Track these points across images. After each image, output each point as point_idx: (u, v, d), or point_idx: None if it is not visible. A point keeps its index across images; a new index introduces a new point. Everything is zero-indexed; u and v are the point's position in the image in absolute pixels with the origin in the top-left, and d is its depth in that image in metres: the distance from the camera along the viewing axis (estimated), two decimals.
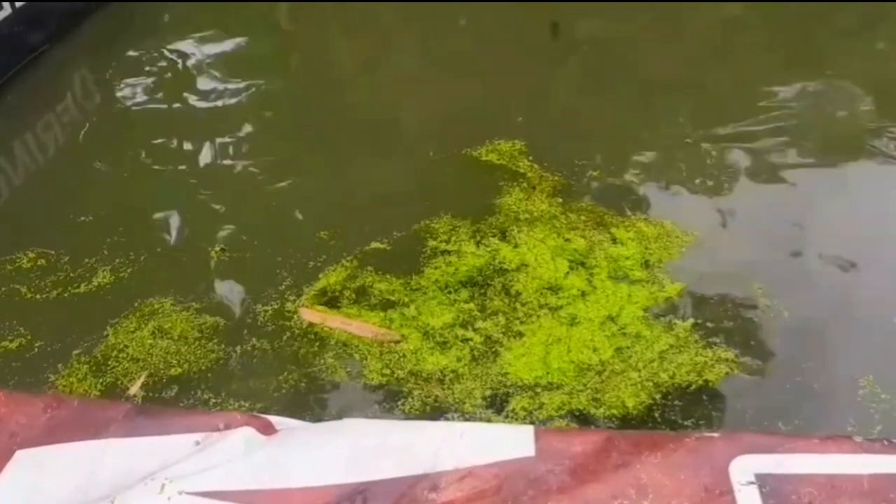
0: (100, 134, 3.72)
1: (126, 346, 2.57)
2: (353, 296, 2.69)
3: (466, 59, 4.14)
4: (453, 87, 3.87)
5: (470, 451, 1.87)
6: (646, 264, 2.74)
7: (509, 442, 1.89)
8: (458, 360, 2.44)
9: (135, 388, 2.43)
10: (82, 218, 3.13)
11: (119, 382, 2.46)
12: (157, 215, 3.13)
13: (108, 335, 2.61)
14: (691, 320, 2.52)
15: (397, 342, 2.51)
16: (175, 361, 2.51)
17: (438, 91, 3.89)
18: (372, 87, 4.04)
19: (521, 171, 3.22)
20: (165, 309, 2.70)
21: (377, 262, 2.82)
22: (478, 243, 2.86)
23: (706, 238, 2.85)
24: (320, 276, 2.78)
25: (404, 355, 2.47)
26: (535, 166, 3.24)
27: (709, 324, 2.52)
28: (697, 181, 3.18)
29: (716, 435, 1.86)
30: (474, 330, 2.54)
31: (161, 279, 2.83)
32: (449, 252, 2.83)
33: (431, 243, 2.87)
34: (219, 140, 3.60)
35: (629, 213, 3.00)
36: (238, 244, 2.97)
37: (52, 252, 2.94)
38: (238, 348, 2.55)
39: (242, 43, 4.42)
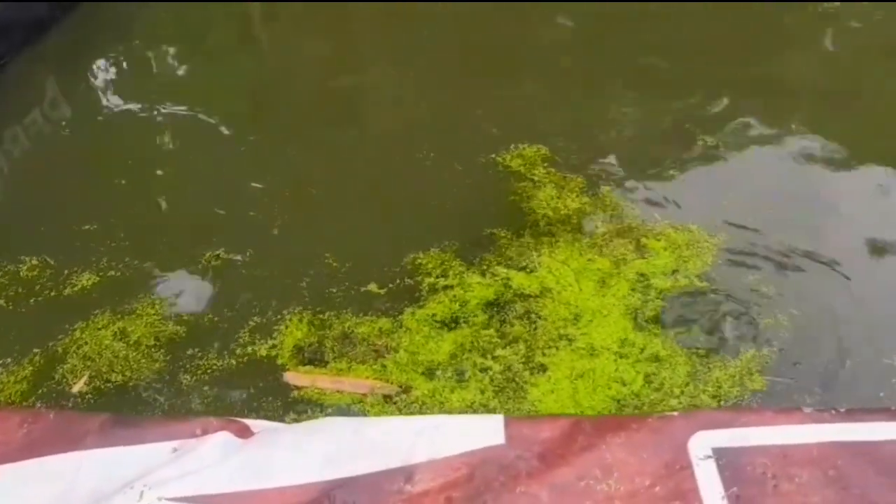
0: (79, 144, 3.65)
1: (84, 343, 2.60)
2: (337, 346, 2.56)
3: (479, 60, 4.02)
4: (471, 90, 3.74)
5: (443, 442, 1.94)
6: (674, 273, 2.69)
7: (480, 431, 1.96)
8: (482, 392, 2.36)
9: (77, 387, 2.47)
10: (86, 226, 3.10)
11: (64, 380, 2.50)
12: (157, 223, 3.11)
13: (75, 331, 2.64)
14: (709, 333, 2.49)
15: (406, 392, 2.39)
16: (119, 367, 2.53)
17: (454, 93, 3.76)
18: (375, 90, 3.91)
19: (538, 178, 3.13)
20: (138, 311, 2.71)
21: (370, 302, 2.70)
22: (483, 272, 2.74)
23: (729, 241, 2.84)
24: (294, 321, 2.63)
25: (424, 402, 2.36)
26: (553, 171, 3.16)
27: (727, 329, 2.51)
28: (712, 182, 3.17)
29: (675, 414, 1.95)
30: (493, 358, 2.45)
31: (150, 282, 2.83)
32: (451, 286, 2.70)
33: (429, 280, 2.75)
34: (207, 147, 3.54)
35: (658, 218, 2.95)
36: (233, 260, 2.91)
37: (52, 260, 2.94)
38: (190, 367, 2.52)
39: (216, 46, 4.32)
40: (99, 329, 2.65)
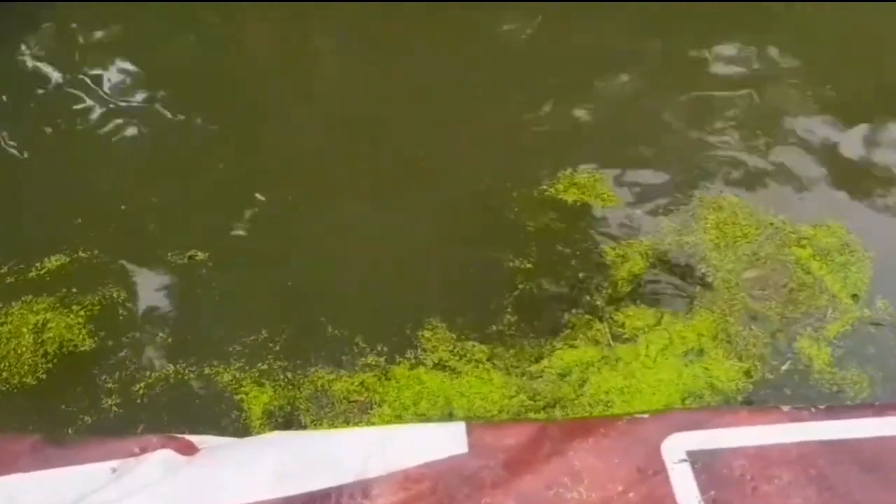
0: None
1: (9, 322, 2.47)
2: (313, 407, 2.28)
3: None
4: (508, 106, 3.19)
5: (401, 453, 1.82)
6: (854, 299, 2.28)
7: (441, 440, 1.84)
8: None
9: None
10: (79, 220, 2.82)
11: None
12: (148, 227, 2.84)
13: (15, 305, 2.51)
14: None
15: None
16: (6, 365, 2.37)
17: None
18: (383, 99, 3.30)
19: (606, 211, 2.64)
20: (76, 306, 2.52)
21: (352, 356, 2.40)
22: (508, 372, 2.31)
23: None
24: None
25: None
26: (619, 199, 2.67)
27: None
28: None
29: (646, 416, 1.85)
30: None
31: (110, 277, 2.63)
32: (459, 373, 2.32)
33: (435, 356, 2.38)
34: (191, 159, 3.17)
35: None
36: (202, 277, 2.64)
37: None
38: (62, 399, 2.30)
39: (185, 48, 3.78)
40: (31, 312, 2.50)
